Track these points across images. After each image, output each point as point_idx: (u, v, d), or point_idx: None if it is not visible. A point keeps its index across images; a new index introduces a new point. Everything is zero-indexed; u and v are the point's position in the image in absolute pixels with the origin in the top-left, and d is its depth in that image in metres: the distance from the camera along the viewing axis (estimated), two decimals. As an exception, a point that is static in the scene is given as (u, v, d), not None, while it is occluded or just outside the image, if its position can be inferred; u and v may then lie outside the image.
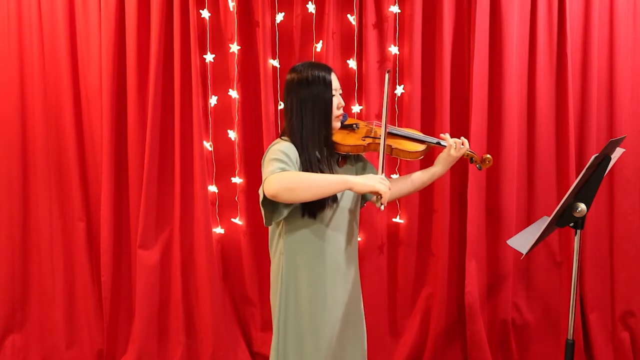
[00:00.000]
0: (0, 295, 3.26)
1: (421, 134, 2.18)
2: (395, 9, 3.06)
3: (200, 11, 3.09)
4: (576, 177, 2.36)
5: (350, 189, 1.82)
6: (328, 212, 1.95)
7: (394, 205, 3.15)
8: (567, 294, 3.15)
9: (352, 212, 2.04)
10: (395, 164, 3.12)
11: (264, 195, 1.82)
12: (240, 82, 3.16)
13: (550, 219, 2.03)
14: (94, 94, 3.18)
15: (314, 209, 1.91)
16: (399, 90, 3.11)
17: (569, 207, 2.02)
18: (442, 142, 2.15)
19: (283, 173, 1.79)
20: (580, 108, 3.14)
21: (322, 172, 1.91)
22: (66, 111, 3.17)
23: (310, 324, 1.97)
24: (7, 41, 3.18)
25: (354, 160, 2.14)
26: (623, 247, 3.19)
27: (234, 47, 3.11)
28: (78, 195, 3.21)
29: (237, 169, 3.18)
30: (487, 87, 3.09)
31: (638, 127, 3.17)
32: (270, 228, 2.04)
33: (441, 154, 2.15)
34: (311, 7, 3.07)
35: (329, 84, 1.94)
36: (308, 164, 1.90)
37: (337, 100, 1.98)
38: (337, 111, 1.98)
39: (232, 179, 3.19)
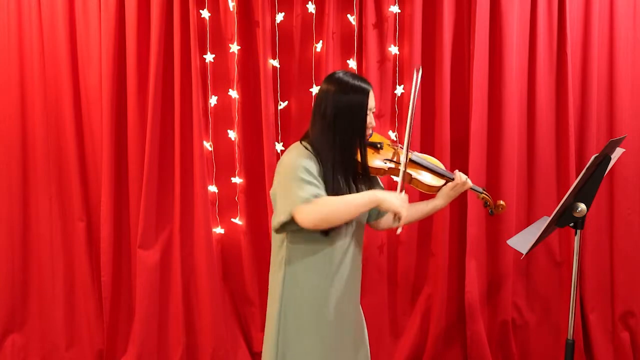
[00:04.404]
0: (0, 295, 3.26)
1: (440, 167, 2.14)
2: (395, 9, 3.06)
3: (200, 11, 3.09)
4: (576, 177, 2.36)
5: (378, 206, 1.83)
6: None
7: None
8: (567, 294, 3.15)
9: (360, 221, 2.00)
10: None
11: (290, 217, 1.78)
12: (240, 82, 3.16)
13: (550, 219, 2.03)
14: (94, 94, 3.18)
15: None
16: (399, 90, 3.11)
17: (569, 207, 2.03)
18: (452, 176, 2.12)
19: (317, 203, 1.76)
20: (580, 108, 3.14)
21: (340, 188, 1.86)
22: (66, 111, 3.17)
23: (314, 336, 1.91)
24: (7, 41, 3.18)
25: (367, 180, 2.06)
26: (623, 247, 3.19)
27: (234, 47, 3.11)
28: (78, 195, 3.21)
29: (237, 169, 3.18)
30: (487, 87, 3.09)
31: (638, 127, 3.17)
32: (273, 232, 1.96)
33: (445, 187, 2.11)
34: (311, 7, 3.07)
35: (367, 97, 1.87)
36: (329, 179, 1.84)
37: (369, 120, 1.91)
38: (367, 130, 1.93)
39: (232, 179, 3.19)
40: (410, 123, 1.98)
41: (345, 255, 1.95)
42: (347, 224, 1.91)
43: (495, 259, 3.17)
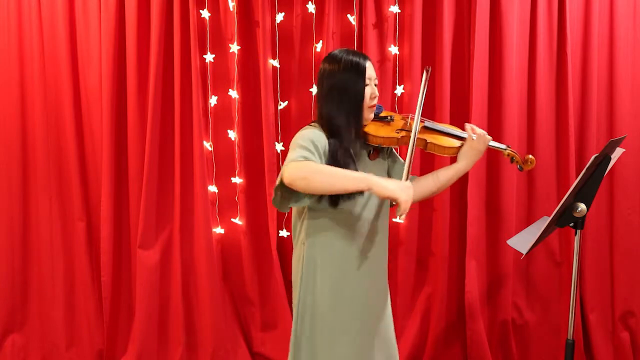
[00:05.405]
0: (0, 295, 3.26)
1: (457, 129, 2.08)
2: (395, 9, 3.06)
3: (200, 11, 3.09)
4: (576, 177, 2.36)
5: (369, 189, 1.71)
6: (354, 201, 1.88)
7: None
8: (567, 294, 3.15)
9: (381, 203, 1.96)
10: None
11: (281, 180, 1.75)
12: (240, 82, 3.16)
13: (550, 219, 2.03)
14: (94, 94, 3.18)
15: (336, 197, 1.84)
16: (399, 90, 3.11)
17: (569, 207, 2.02)
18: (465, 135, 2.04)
19: (303, 162, 1.73)
20: (580, 108, 3.14)
21: (347, 165, 1.83)
22: (66, 111, 3.17)
23: (331, 322, 1.90)
24: (7, 41, 3.18)
25: (386, 155, 2.06)
26: (623, 247, 3.19)
27: (234, 47, 3.11)
28: (78, 195, 3.21)
29: (237, 169, 3.18)
30: (487, 87, 3.09)
31: (638, 127, 3.17)
32: (293, 213, 1.96)
33: (463, 147, 2.03)
34: (311, 7, 3.07)
35: (362, 73, 1.87)
36: (335, 155, 1.82)
37: (371, 91, 1.89)
38: (370, 101, 1.90)
39: (232, 179, 3.19)
40: (423, 93, 1.93)
41: (365, 231, 1.92)
42: (367, 201, 1.89)
43: (495, 259, 3.17)
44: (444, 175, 2.06)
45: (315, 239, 1.91)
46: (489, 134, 3.06)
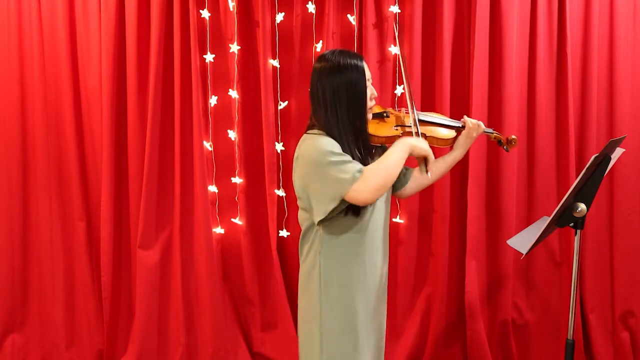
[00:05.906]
0: (0, 295, 3.26)
1: (447, 118, 2.17)
2: (395, 9, 3.06)
3: (200, 11, 3.09)
4: (576, 177, 2.36)
5: (411, 153, 1.87)
6: (369, 208, 1.88)
7: (394, 205, 3.15)
8: (567, 294, 3.15)
9: (387, 205, 1.97)
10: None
11: (341, 200, 1.75)
12: (240, 82, 3.16)
13: (550, 219, 2.03)
14: (94, 94, 3.18)
15: (358, 206, 1.83)
16: (399, 90, 3.11)
17: (569, 207, 2.03)
18: (462, 125, 2.12)
19: (367, 176, 1.76)
20: (580, 108, 3.14)
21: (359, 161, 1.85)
22: (66, 111, 3.17)
23: (350, 328, 1.88)
24: (7, 41, 3.18)
25: (381, 151, 2.06)
26: (623, 247, 3.19)
27: (234, 47, 3.11)
28: (78, 195, 3.21)
29: (237, 169, 3.18)
30: (487, 87, 3.09)
31: (638, 127, 3.17)
32: (304, 225, 1.92)
33: (460, 137, 2.11)
34: (311, 7, 3.07)
35: (362, 72, 1.86)
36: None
37: (370, 91, 1.90)
38: (370, 102, 1.90)
39: (232, 179, 3.19)
40: (408, 83, 2.05)
41: (376, 239, 1.92)
42: (374, 205, 1.90)
43: (495, 259, 3.17)
44: (443, 165, 2.15)
45: (332, 247, 1.87)
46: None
